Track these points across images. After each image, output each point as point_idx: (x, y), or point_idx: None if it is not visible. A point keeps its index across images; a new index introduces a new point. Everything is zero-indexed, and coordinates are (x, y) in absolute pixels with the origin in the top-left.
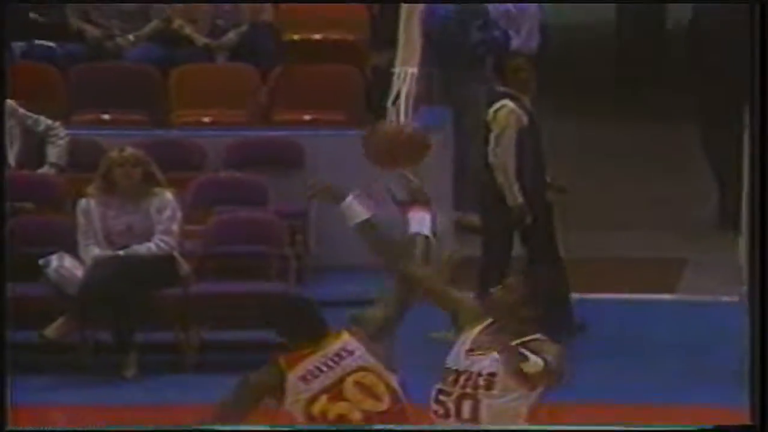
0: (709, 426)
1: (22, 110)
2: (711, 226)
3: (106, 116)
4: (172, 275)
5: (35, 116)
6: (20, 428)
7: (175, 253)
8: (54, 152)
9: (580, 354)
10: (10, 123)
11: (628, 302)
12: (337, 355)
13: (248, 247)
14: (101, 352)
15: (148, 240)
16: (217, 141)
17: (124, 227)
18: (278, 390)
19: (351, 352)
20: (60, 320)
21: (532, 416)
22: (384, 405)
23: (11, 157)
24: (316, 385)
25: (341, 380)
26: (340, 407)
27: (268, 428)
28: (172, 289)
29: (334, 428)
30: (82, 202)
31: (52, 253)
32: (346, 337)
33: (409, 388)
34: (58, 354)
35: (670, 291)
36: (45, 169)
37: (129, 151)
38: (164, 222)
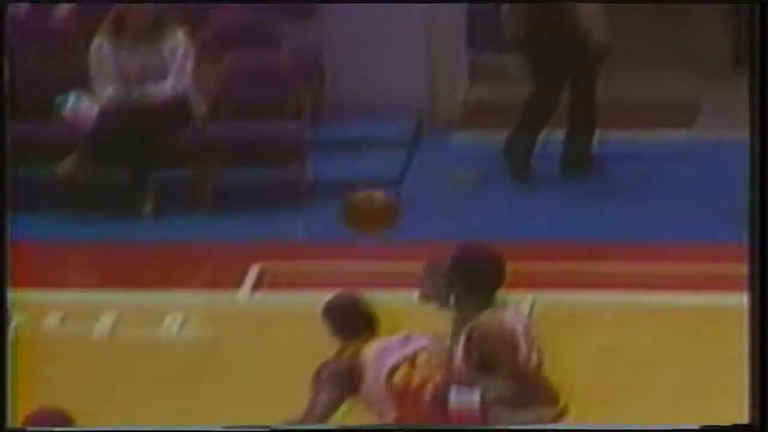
0: (709, 426)
1: None
2: (725, 66)
3: None
4: (186, 115)
5: None
6: (20, 428)
7: (190, 93)
8: None
9: (597, 192)
10: None
11: (643, 141)
12: (405, 337)
13: (263, 87)
14: (117, 190)
15: (163, 80)
16: None
17: (138, 68)
18: (356, 372)
19: (416, 338)
20: (72, 157)
21: None
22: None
23: None
24: (394, 357)
25: (415, 353)
26: (418, 375)
27: (268, 428)
28: (187, 128)
29: (333, 428)
30: (95, 42)
31: (67, 92)
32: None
33: None
34: (72, 191)
35: (687, 128)
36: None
37: None
38: (178, 61)
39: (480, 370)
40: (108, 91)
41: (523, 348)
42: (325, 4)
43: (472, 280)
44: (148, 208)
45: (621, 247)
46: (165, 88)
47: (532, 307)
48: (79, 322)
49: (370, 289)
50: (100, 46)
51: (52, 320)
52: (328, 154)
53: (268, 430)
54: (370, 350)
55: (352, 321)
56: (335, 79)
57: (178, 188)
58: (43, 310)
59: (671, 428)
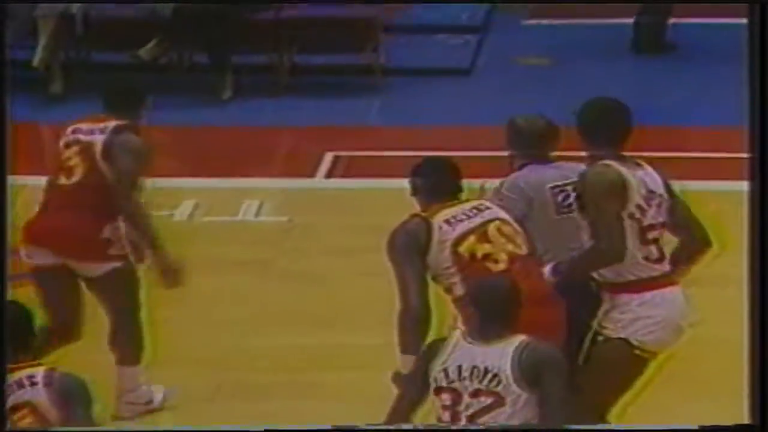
0: (709, 426)
1: None
2: None
3: None
4: None
5: None
6: (19, 429)
7: None
8: None
9: (669, 72)
10: None
11: (713, 24)
12: (476, 208)
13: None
14: (197, 72)
15: None
16: None
17: None
18: (426, 240)
19: (488, 207)
20: (154, 41)
21: None
22: (523, 251)
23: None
24: (461, 228)
25: (484, 225)
26: (486, 248)
27: (267, 428)
28: (263, 11)
29: (334, 428)
30: None
31: None
32: (478, 199)
33: None
34: (153, 74)
35: None
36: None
37: None
38: None
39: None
40: None
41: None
42: None
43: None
44: (227, 93)
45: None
46: None
47: None
48: (160, 208)
49: None
50: None
51: None
52: (400, 39)
53: (267, 430)
54: (440, 217)
55: (438, 182)
56: None
57: (255, 73)
58: None
59: (672, 428)
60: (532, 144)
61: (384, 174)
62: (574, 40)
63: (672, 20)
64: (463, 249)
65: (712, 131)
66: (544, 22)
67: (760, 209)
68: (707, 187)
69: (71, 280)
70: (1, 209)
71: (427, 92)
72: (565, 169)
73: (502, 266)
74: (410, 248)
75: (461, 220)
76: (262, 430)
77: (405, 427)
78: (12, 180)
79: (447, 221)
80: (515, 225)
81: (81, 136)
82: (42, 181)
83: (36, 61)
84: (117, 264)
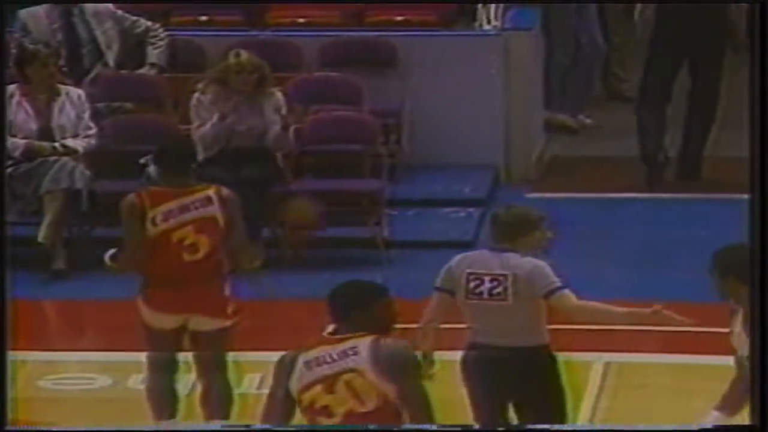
0: (709, 426)
1: (120, 12)
2: None
3: (203, 17)
4: (275, 172)
5: (134, 18)
6: (20, 429)
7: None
8: (154, 53)
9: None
10: (107, 25)
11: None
12: (344, 352)
13: (343, 146)
14: None
15: (261, 138)
16: (312, 41)
17: (244, 127)
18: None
19: (356, 353)
20: None
21: None
22: (367, 407)
23: (110, 58)
24: (316, 373)
25: (337, 376)
26: (327, 399)
27: (267, 428)
28: (271, 186)
29: (333, 428)
30: (196, 96)
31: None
32: (360, 338)
33: None
34: None
35: None
36: (145, 70)
37: (245, 56)
38: (281, 119)
39: None
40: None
41: None
42: (406, 62)
43: None
44: (256, 262)
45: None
46: (274, 133)
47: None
48: None
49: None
50: (202, 100)
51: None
52: (404, 212)
53: (264, 429)
54: (307, 355)
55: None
56: (412, 137)
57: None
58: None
59: (672, 428)
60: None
61: None
62: (577, 214)
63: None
64: (306, 398)
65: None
66: (547, 195)
67: (760, 208)
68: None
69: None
70: (1, 209)
71: (430, 264)
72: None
73: (336, 420)
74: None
75: (320, 365)
76: (263, 429)
77: (409, 427)
78: (13, 356)
79: (308, 363)
80: (379, 376)
81: (191, 214)
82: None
83: (41, 236)
84: (229, 322)
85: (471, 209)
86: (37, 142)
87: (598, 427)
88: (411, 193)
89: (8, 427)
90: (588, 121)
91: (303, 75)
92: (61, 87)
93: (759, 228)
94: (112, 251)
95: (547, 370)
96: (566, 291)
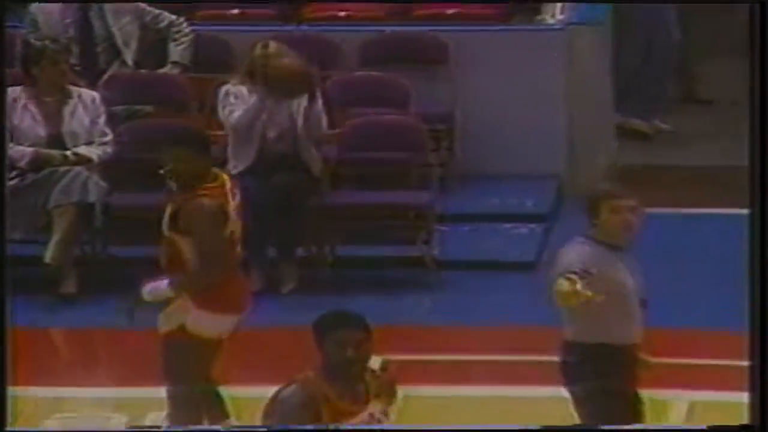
0: (709, 426)
1: (141, 5)
2: None
3: (233, 11)
4: (310, 182)
5: (156, 11)
6: (19, 429)
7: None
8: (177, 50)
9: None
10: (125, 19)
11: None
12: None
13: (388, 154)
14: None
15: (293, 143)
16: (352, 37)
17: (275, 129)
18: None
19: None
20: None
21: None
22: None
23: (128, 57)
24: None
25: None
26: None
27: (267, 428)
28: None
29: (333, 428)
30: (225, 89)
31: None
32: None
33: None
34: None
35: None
36: (167, 69)
37: (273, 46)
38: (315, 123)
39: None
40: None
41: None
42: (458, 60)
43: None
44: (290, 285)
45: None
46: (309, 155)
47: None
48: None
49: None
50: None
51: None
52: (456, 228)
53: (264, 429)
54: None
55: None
56: (465, 143)
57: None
58: None
59: (673, 428)
60: None
61: (436, 380)
62: (651, 230)
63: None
64: None
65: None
66: None
67: (760, 207)
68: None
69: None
70: (1, 209)
71: (486, 288)
72: None
73: None
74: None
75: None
76: (263, 429)
77: (408, 427)
78: (15, 391)
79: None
80: None
81: (233, 204)
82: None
83: (48, 257)
84: None
85: (532, 225)
86: (45, 150)
87: (596, 427)
88: (464, 207)
89: (8, 428)
90: (663, 126)
91: (343, 75)
92: (73, 89)
93: (759, 228)
94: (161, 283)
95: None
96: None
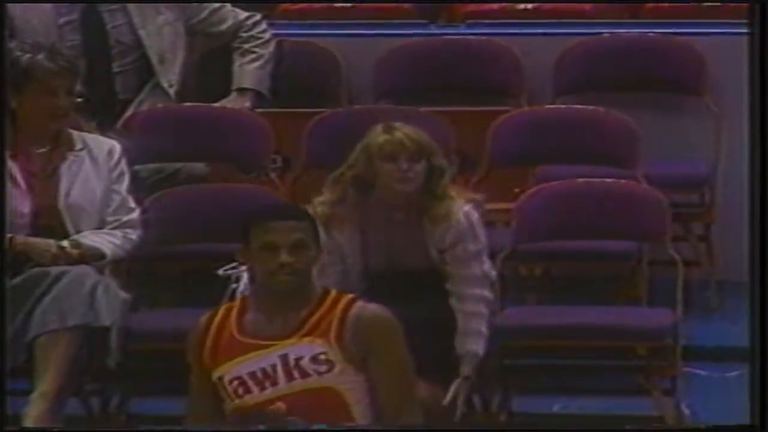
0: (709, 426)
1: None
2: None
3: (342, 3)
4: None
5: (213, 4)
6: (19, 428)
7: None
8: (249, 69)
9: None
10: (162, 18)
11: None
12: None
13: (596, 244)
14: None
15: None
16: (540, 45)
17: (384, 261)
18: None
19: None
20: None
21: None
22: None
23: (165, 80)
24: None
25: None
26: None
27: (267, 428)
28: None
29: (334, 428)
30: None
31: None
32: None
33: None
34: None
35: None
36: (231, 100)
37: (406, 130)
38: (465, 260)
39: None
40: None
41: None
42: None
43: None
44: None
45: None
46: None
47: None
48: None
49: None
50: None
51: None
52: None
53: (264, 429)
54: None
55: None
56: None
57: None
58: None
59: (673, 428)
60: None
61: None
62: None
63: None
64: None
65: None
66: None
67: (760, 205)
68: None
69: None
70: (1, 209)
71: None
72: None
73: None
74: None
75: None
76: (263, 430)
77: (407, 427)
78: None
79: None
80: None
81: None
82: None
83: (29, 418)
84: None
85: None
86: (27, 240)
87: (595, 426)
88: (727, 337)
89: (8, 428)
90: None
91: (522, 109)
92: (76, 134)
93: (759, 227)
94: None
95: None
96: None
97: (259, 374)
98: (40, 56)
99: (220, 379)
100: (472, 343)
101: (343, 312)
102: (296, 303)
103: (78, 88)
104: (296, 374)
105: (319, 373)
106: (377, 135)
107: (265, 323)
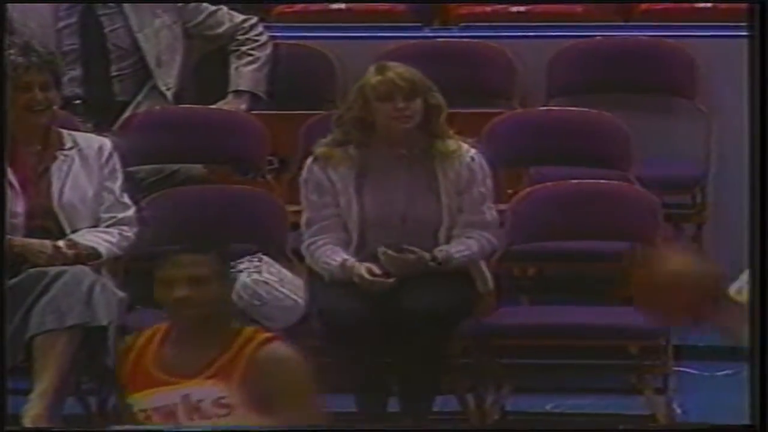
0: (709, 425)
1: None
2: None
3: (337, 5)
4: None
5: (210, 7)
6: (19, 428)
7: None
8: (245, 72)
9: None
10: (159, 21)
11: None
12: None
13: (591, 245)
14: None
15: (433, 238)
16: (533, 48)
17: (391, 213)
18: None
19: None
20: None
21: None
22: None
23: (163, 81)
24: None
25: None
26: None
27: (266, 428)
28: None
29: (332, 428)
30: (313, 168)
31: (242, 254)
32: None
33: None
34: None
35: None
36: (227, 102)
37: (398, 70)
38: (472, 205)
39: None
40: (334, 259)
41: None
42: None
43: None
44: None
45: None
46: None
47: None
48: None
49: None
50: (324, 176)
51: None
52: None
53: (266, 430)
54: None
55: None
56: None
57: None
58: None
59: (672, 428)
60: None
61: None
62: None
63: None
64: None
65: None
66: None
67: (760, 204)
68: None
69: None
70: (1, 209)
71: None
72: None
73: None
74: None
75: None
76: (264, 430)
77: (407, 427)
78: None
79: None
80: None
81: None
82: None
83: (27, 417)
84: None
85: None
86: (22, 240)
87: (593, 426)
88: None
89: (8, 428)
90: None
91: (518, 110)
92: (67, 134)
93: (759, 226)
94: None
95: None
96: None
97: (163, 411)
98: (12, 52)
99: (130, 405)
100: (456, 246)
101: (253, 352)
102: (207, 341)
103: (73, 89)
104: (195, 416)
105: (219, 416)
106: (370, 76)
107: (177, 359)
